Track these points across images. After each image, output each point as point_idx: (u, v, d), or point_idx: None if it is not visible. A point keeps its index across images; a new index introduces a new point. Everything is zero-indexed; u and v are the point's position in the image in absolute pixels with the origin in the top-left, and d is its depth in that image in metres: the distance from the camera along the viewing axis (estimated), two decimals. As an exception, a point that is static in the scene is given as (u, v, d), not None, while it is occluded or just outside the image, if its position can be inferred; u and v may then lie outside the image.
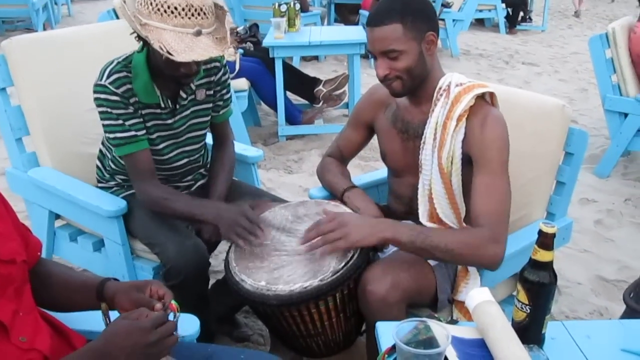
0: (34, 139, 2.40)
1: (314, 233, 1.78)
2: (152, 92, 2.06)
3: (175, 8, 1.83)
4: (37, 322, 1.30)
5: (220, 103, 2.29)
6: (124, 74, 2.02)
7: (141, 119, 2.07)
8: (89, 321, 1.55)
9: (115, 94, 1.99)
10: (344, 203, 2.04)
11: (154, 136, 2.12)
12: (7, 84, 2.35)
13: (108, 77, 2.00)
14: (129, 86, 2.02)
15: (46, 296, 1.43)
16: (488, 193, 1.77)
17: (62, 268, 1.51)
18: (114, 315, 1.35)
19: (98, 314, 1.43)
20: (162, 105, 2.10)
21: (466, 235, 1.77)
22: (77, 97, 2.36)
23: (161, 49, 1.81)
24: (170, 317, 1.30)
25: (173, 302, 1.35)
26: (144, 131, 2.08)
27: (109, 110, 2.01)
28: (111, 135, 2.05)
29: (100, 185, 2.31)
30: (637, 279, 1.53)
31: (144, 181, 2.09)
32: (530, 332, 1.34)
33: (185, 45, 1.84)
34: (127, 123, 2.03)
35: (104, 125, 2.05)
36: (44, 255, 2.45)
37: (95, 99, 2.02)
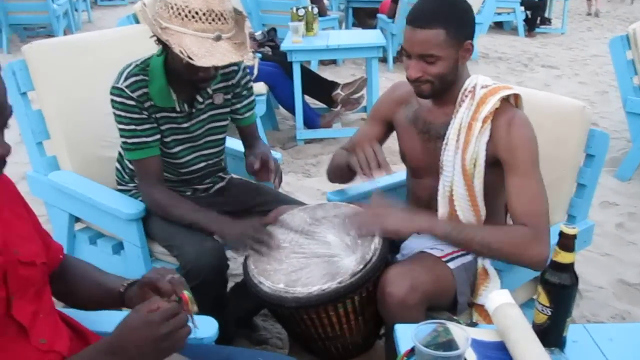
0: (55, 142, 2.43)
1: (355, 219, 1.85)
2: (168, 96, 2.08)
3: (197, 13, 1.84)
4: (56, 324, 1.31)
5: (239, 106, 2.29)
6: (141, 77, 2.04)
7: (154, 124, 2.08)
8: (108, 323, 1.54)
9: (131, 97, 2.01)
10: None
11: (168, 139, 2.13)
12: (28, 89, 2.37)
13: (125, 79, 2.02)
14: (145, 90, 2.04)
15: (73, 297, 1.47)
16: (524, 194, 1.78)
17: (89, 273, 1.51)
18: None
19: (118, 314, 1.44)
20: (178, 109, 2.11)
21: (506, 232, 1.80)
22: (96, 100, 2.37)
23: (182, 53, 1.82)
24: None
25: (186, 292, 1.32)
26: (157, 137, 2.09)
27: (123, 114, 2.04)
28: (123, 139, 2.08)
29: (120, 187, 2.33)
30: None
31: (150, 185, 2.12)
32: (551, 334, 1.33)
33: (205, 50, 1.85)
34: (139, 128, 2.05)
35: (118, 128, 2.08)
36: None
37: (112, 101, 2.04)
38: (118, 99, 2.03)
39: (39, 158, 2.43)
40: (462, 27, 1.80)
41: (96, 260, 2.46)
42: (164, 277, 1.34)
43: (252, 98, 2.33)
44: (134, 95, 2.02)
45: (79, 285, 1.47)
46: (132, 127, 2.05)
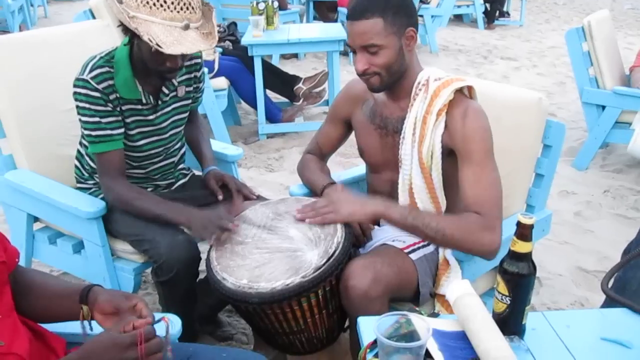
0: (10, 141, 2.37)
1: (308, 209, 1.85)
2: (134, 88, 2.06)
3: (165, 2, 1.84)
4: (15, 325, 1.29)
5: (196, 95, 2.34)
6: (106, 69, 2.02)
7: (119, 117, 2.06)
8: (68, 324, 1.54)
9: (96, 89, 1.99)
10: None
11: (133, 132, 2.12)
12: (-19, 87, 2.32)
13: (90, 71, 2.00)
14: (110, 82, 2.02)
15: (26, 305, 1.41)
16: (477, 183, 1.79)
17: (43, 276, 1.48)
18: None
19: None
20: (144, 101, 2.10)
21: (460, 219, 1.80)
22: (53, 98, 2.33)
23: (150, 41, 1.82)
24: (162, 330, 1.26)
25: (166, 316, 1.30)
26: (121, 130, 2.07)
27: (87, 106, 2.01)
28: (86, 132, 2.05)
29: (79, 185, 2.29)
30: (612, 267, 1.54)
31: (112, 179, 2.09)
32: (510, 323, 1.35)
33: (173, 39, 1.86)
34: (103, 121, 2.02)
35: (80, 121, 2.05)
36: (23, 259, 2.44)
37: (75, 93, 2.01)
38: (82, 91, 2.00)
39: (-6, 157, 2.38)
40: (399, 15, 1.82)
41: (56, 260, 2.47)
42: (139, 302, 1.31)
43: (203, 87, 2.38)
44: (100, 87, 2.00)
45: (34, 287, 1.42)
46: (97, 119, 2.02)
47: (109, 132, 2.04)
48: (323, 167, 2.21)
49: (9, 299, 1.30)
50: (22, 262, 2.45)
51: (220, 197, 2.23)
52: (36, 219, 2.44)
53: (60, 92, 2.07)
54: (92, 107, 2.01)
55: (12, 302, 1.31)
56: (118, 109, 2.05)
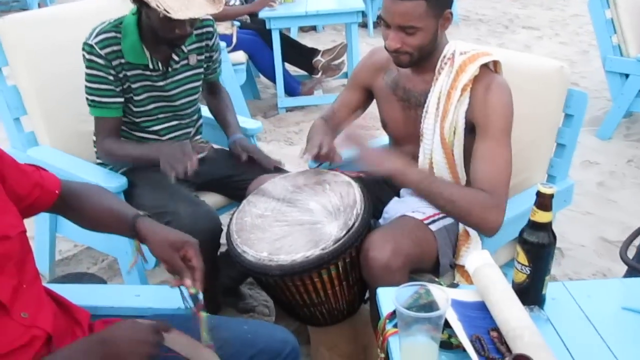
0: (32, 118, 2.40)
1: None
2: (141, 53, 2.09)
3: None
4: (39, 297, 1.30)
5: (212, 65, 2.36)
6: (113, 34, 2.06)
7: (119, 87, 2.10)
8: (93, 296, 1.57)
9: (100, 55, 2.04)
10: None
11: (142, 97, 2.15)
12: (2, 64, 2.35)
13: (96, 36, 2.05)
14: (115, 47, 2.06)
15: (81, 221, 1.51)
16: (490, 159, 1.77)
17: (94, 197, 1.52)
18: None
19: (101, 288, 1.44)
20: (151, 67, 2.12)
21: (471, 192, 1.79)
22: (73, 74, 2.34)
23: (158, 6, 1.85)
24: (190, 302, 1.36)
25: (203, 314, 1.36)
26: (117, 100, 2.12)
27: (89, 71, 2.08)
28: (88, 97, 2.12)
29: (99, 161, 2.32)
30: (630, 235, 1.52)
31: (104, 138, 2.18)
32: (530, 293, 1.35)
33: (181, 4, 1.89)
34: (101, 87, 2.08)
35: (85, 85, 2.11)
36: (47, 234, 2.48)
37: (82, 56, 2.08)
38: (87, 56, 2.06)
39: (16, 134, 2.41)
40: None
41: (79, 235, 2.50)
42: (190, 248, 1.40)
43: (220, 57, 2.40)
44: (103, 52, 2.04)
45: (84, 211, 1.49)
46: (95, 85, 2.09)
47: (105, 99, 2.10)
48: (327, 130, 2.13)
49: (32, 268, 1.31)
50: (45, 237, 2.52)
51: (245, 158, 2.28)
52: (59, 195, 2.47)
53: (81, 69, 2.09)
54: (94, 72, 2.07)
55: (36, 271, 1.33)
56: (122, 74, 2.09)
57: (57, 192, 1.44)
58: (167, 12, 1.86)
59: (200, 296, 1.37)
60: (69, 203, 1.47)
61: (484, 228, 1.78)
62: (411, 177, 1.79)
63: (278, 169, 2.28)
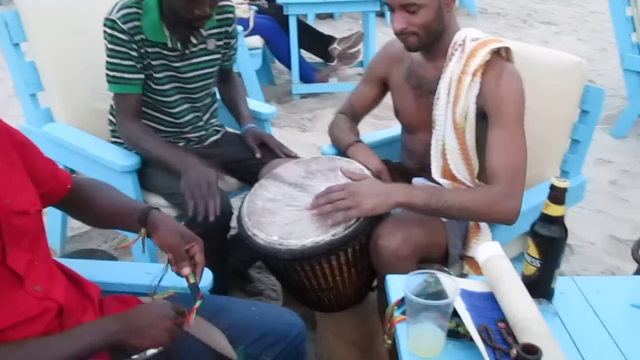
0: (49, 94, 2.41)
1: (324, 200, 1.75)
2: (160, 31, 2.09)
3: None
4: (52, 271, 1.33)
5: (229, 52, 2.35)
6: (134, 9, 2.05)
7: (141, 63, 2.09)
8: (104, 272, 1.59)
9: (123, 31, 2.03)
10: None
11: (160, 75, 2.15)
12: (20, 40, 2.35)
13: (118, 11, 2.04)
14: (136, 23, 2.05)
15: (88, 216, 1.54)
16: (504, 147, 1.77)
17: (103, 190, 1.54)
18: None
19: (111, 264, 1.46)
20: (170, 46, 2.12)
21: (481, 193, 1.78)
22: (90, 51, 2.35)
23: None
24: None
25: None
26: (139, 76, 2.11)
27: (110, 46, 2.07)
28: (106, 71, 2.11)
29: (113, 139, 2.33)
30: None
31: (126, 119, 2.16)
32: (539, 286, 1.35)
33: None
34: (123, 63, 2.07)
35: (106, 61, 2.10)
36: (59, 212, 2.50)
37: (104, 32, 2.07)
38: (109, 31, 2.05)
39: (32, 110, 2.42)
40: None
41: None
42: (196, 244, 1.46)
43: (237, 44, 2.39)
44: (125, 27, 2.03)
45: (93, 204, 1.50)
46: (117, 60, 2.07)
47: (126, 75, 2.09)
48: (352, 126, 2.19)
49: (45, 246, 1.34)
50: (57, 213, 2.54)
51: (259, 156, 2.26)
52: (73, 172, 2.48)
53: (99, 46, 2.09)
54: (116, 47, 2.06)
55: (48, 250, 1.35)
56: (143, 50, 2.08)
57: (68, 186, 1.46)
58: None
59: (200, 285, 1.42)
60: (77, 198, 1.49)
61: (501, 219, 1.78)
62: (417, 200, 1.73)
63: (295, 156, 2.29)
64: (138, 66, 2.09)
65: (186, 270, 1.40)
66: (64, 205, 1.50)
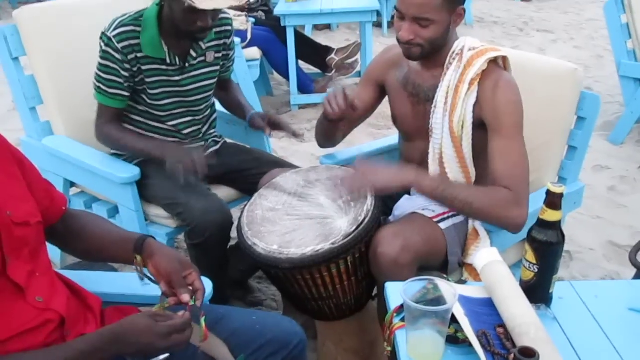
0: (48, 107, 2.43)
1: (340, 182, 1.86)
2: (159, 47, 2.11)
3: None
4: (53, 282, 1.33)
5: (227, 64, 2.38)
6: (132, 27, 2.08)
7: (129, 82, 2.12)
8: (105, 283, 1.59)
9: (117, 49, 2.06)
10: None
11: (157, 91, 2.17)
12: (19, 54, 2.37)
13: (115, 29, 2.07)
14: (132, 42, 2.08)
15: (79, 247, 1.50)
16: (506, 157, 1.78)
17: (95, 220, 1.53)
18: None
19: (112, 275, 1.46)
20: (169, 62, 2.14)
21: (488, 193, 1.80)
22: (89, 65, 2.35)
23: None
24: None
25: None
26: (124, 93, 2.15)
27: (102, 61, 2.11)
28: (96, 82, 2.14)
29: (113, 152, 2.33)
30: (643, 239, 1.53)
31: (103, 123, 2.20)
32: (537, 291, 1.36)
33: None
34: (111, 78, 2.11)
35: (96, 72, 2.14)
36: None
37: (99, 45, 2.11)
38: (104, 47, 2.09)
39: (32, 123, 2.44)
40: None
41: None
42: (194, 271, 1.39)
43: (234, 56, 2.43)
44: (120, 46, 2.06)
45: (86, 234, 1.48)
46: (106, 75, 2.12)
47: (111, 90, 2.13)
48: None
49: (46, 258, 1.34)
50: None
51: (269, 132, 2.35)
52: (72, 184, 2.50)
53: (96, 60, 2.11)
54: (107, 63, 2.09)
55: (49, 261, 1.36)
56: (136, 68, 2.11)
57: (63, 208, 1.46)
58: (192, 1, 1.89)
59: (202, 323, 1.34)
60: (71, 226, 1.47)
61: (508, 225, 1.79)
62: (425, 184, 1.81)
63: (289, 165, 2.31)
64: (125, 84, 2.12)
65: (186, 297, 1.33)
66: (56, 234, 1.46)
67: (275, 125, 2.39)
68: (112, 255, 1.49)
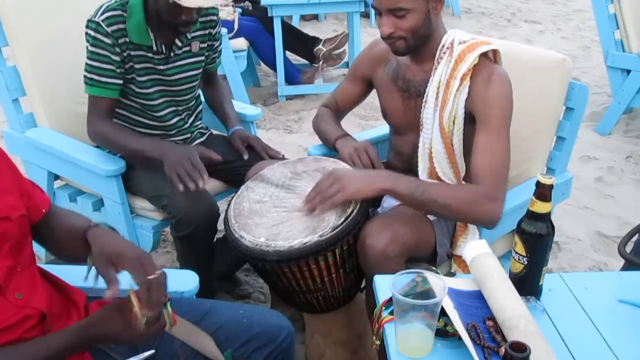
0: (31, 99, 2.39)
1: (313, 193, 1.77)
2: (145, 34, 2.08)
3: None
4: (34, 278, 1.31)
5: (212, 54, 2.34)
6: (119, 12, 2.05)
7: (122, 67, 2.08)
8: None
9: (106, 34, 2.02)
10: (336, 149, 2.08)
11: (144, 78, 2.14)
12: (1, 44, 2.33)
13: (102, 13, 2.03)
14: (121, 26, 2.04)
15: (57, 248, 1.46)
16: (488, 151, 1.77)
17: (68, 218, 1.44)
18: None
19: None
20: (155, 49, 2.11)
21: (463, 191, 1.78)
22: (72, 56, 2.33)
23: None
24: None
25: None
26: (116, 81, 2.10)
27: (92, 49, 2.05)
28: (87, 74, 2.09)
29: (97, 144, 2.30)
30: (630, 231, 1.53)
31: (97, 119, 2.14)
32: (527, 283, 1.35)
33: None
34: (103, 66, 2.06)
35: (86, 63, 2.09)
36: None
37: (86, 34, 2.06)
38: (92, 33, 2.04)
39: (15, 115, 2.40)
40: None
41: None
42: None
43: (221, 47, 2.39)
44: (109, 30, 2.02)
45: (59, 231, 1.42)
46: (97, 63, 2.06)
47: (104, 79, 2.08)
48: (337, 121, 2.22)
49: (29, 252, 1.32)
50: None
51: (246, 157, 2.26)
52: (57, 177, 2.46)
53: (81, 51, 2.08)
54: (98, 50, 2.05)
55: (32, 255, 1.33)
56: (126, 53, 2.07)
57: (43, 210, 1.40)
58: None
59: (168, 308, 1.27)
60: (52, 227, 1.41)
61: (484, 222, 1.78)
62: (402, 190, 1.74)
63: (283, 157, 2.29)
64: (118, 71, 2.08)
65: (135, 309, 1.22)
66: (39, 234, 1.40)
67: (254, 149, 2.31)
68: (78, 252, 1.35)
